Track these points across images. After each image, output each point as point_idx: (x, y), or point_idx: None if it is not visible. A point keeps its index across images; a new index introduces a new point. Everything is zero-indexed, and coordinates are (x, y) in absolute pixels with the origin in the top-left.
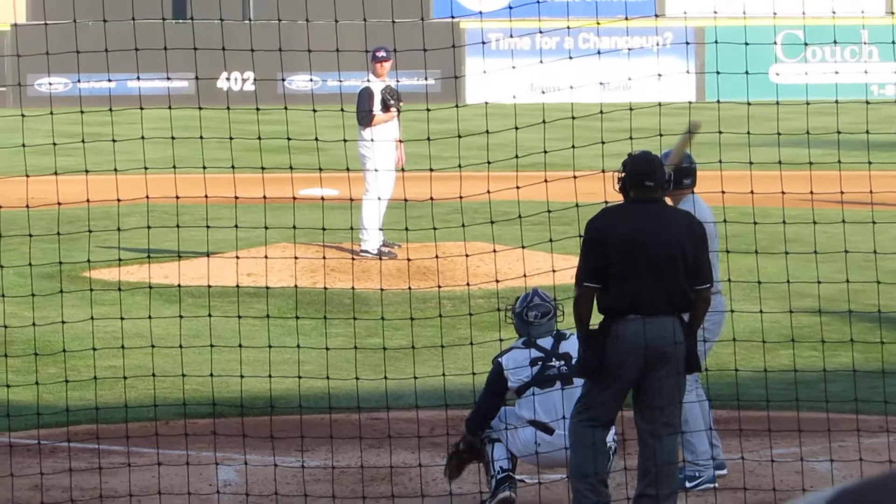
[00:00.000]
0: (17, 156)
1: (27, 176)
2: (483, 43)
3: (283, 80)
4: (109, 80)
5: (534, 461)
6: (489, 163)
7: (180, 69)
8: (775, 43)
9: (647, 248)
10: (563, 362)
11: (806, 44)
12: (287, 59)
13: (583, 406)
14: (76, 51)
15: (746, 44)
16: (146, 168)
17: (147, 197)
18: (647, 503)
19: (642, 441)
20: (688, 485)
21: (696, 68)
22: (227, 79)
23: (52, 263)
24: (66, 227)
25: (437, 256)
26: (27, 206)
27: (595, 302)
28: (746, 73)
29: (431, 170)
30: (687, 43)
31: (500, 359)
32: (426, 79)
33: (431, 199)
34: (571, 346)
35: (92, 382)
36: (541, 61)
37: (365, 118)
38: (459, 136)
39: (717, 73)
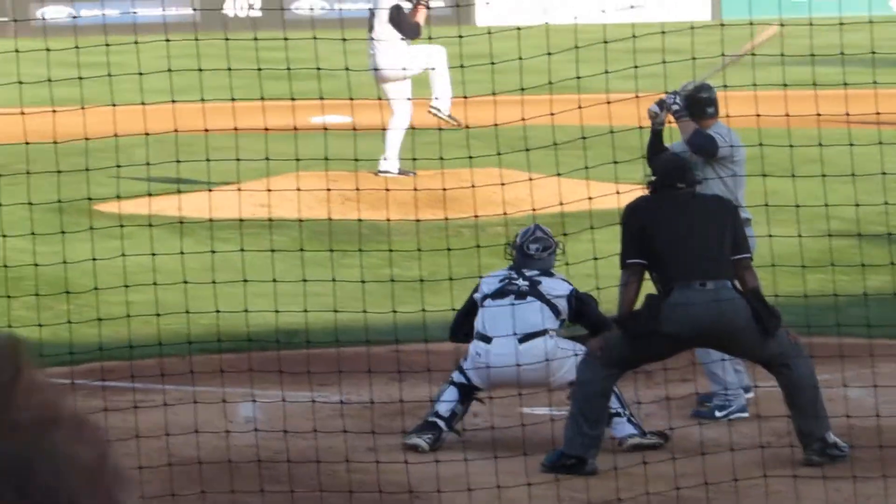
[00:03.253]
0: (17, 89)
1: (54, 111)
2: None
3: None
4: (134, 10)
5: (486, 379)
6: (523, 90)
7: None
8: None
9: (685, 219)
10: (527, 283)
11: None
12: None
13: (600, 343)
14: None
15: None
16: (173, 101)
17: (175, 130)
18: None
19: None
20: (718, 414)
21: None
22: (234, 6)
23: (81, 199)
24: (85, 161)
25: (472, 186)
26: (54, 142)
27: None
28: None
29: (465, 97)
30: None
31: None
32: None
33: (467, 126)
34: (551, 283)
35: (125, 320)
36: None
37: (413, 29)
38: (493, 63)
39: None
